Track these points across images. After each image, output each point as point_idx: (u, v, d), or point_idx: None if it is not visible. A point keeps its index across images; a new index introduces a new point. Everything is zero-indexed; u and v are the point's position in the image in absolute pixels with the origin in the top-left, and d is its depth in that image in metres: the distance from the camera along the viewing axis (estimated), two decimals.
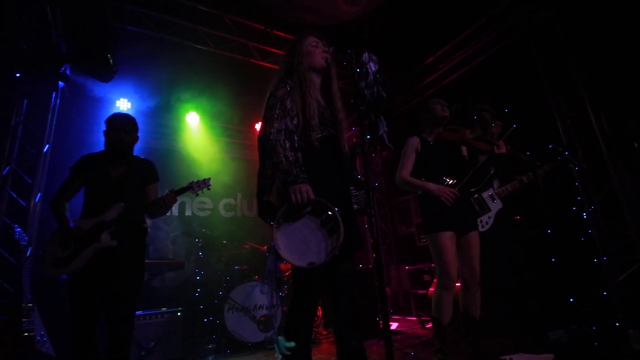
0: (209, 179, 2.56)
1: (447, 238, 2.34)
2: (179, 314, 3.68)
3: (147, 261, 4.55)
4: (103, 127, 2.36)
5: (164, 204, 2.32)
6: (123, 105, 5.29)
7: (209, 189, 2.55)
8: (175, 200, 2.40)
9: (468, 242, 2.41)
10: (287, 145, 1.47)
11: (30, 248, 3.42)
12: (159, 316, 3.54)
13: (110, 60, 1.91)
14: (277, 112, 1.53)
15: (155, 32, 4.14)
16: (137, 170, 2.40)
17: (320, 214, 1.43)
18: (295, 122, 1.55)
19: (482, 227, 2.74)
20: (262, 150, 1.54)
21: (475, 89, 4.52)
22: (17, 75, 3.49)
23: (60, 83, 3.96)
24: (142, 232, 2.39)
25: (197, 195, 2.53)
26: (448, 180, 2.46)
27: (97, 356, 2.16)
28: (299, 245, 1.43)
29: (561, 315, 2.88)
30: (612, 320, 2.94)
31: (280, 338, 1.46)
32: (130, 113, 5.53)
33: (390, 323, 2.71)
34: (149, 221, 2.50)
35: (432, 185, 2.37)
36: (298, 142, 1.53)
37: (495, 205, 2.82)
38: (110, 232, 2.18)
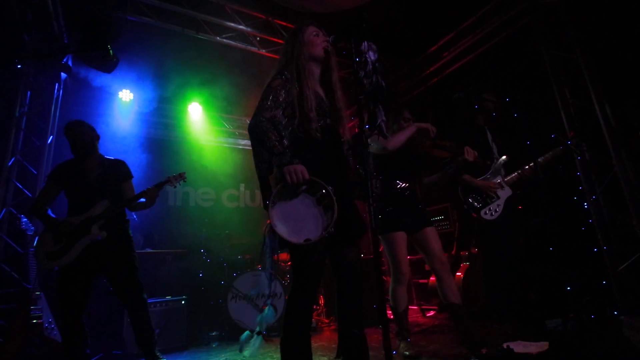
0: (184, 173, 2.90)
1: (398, 237, 2.54)
2: (183, 302, 3.75)
3: (152, 251, 4.67)
4: (106, 118, 2.58)
5: (147, 197, 2.61)
6: (125, 96, 5.30)
7: (184, 182, 2.90)
8: (158, 194, 2.68)
9: (424, 237, 2.56)
10: (276, 133, 1.52)
11: (37, 238, 3.48)
12: (164, 304, 3.61)
13: (111, 51, 1.93)
14: (269, 103, 1.57)
15: (157, 22, 4.12)
16: (111, 171, 2.66)
17: (314, 192, 1.48)
18: (289, 112, 1.58)
19: (492, 215, 2.75)
20: (254, 139, 1.59)
21: (479, 77, 4.48)
22: (19, 66, 3.50)
23: (63, 74, 3.97)
24: (126, 224, 2.69)
25: (175, 187, 2.88)
26: (398, 183, 2.65)
27: (86, 342, 2.43)
28: (295, 223, 1.45)
29: (561, 304, 2.90)
30: (611, 309, 2.96)
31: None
32: (133, 103, 5.57)
33: (390, 312, 2.79)
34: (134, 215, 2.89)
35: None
36: (292, 133, 1.58)
37: (504, 193, 2.82)
38: (99, 225, 2.47)
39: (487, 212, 2.76)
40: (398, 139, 2.53)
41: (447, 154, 2.60)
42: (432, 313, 4.47)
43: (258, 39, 4.66)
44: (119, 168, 2.72)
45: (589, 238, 3.36)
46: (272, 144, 1.48)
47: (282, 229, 1.44)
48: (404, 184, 2.66)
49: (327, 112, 1.68)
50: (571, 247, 3.41)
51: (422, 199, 2.79)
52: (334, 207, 1.43)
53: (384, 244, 2.62)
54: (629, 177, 3.18)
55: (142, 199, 2.65)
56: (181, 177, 2.85)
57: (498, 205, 2.78)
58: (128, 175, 2.73)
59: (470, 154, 2.57)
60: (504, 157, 2.86)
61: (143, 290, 2.61)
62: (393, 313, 2.66)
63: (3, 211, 3.55)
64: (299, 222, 1.46)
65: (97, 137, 2.70)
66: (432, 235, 2.57)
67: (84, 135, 2.59)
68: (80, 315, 2.40)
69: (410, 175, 2.73)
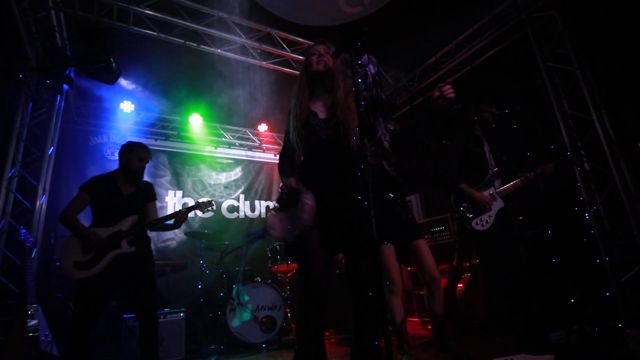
0: (212, 200, 3.17)
1: (388, 250, 2.54)
2: (181, 314, 3.71)
3: None
4: (107, 129, 2.64)
5: (178, 219, 2.78)
6: (127, 107, 5.34)
7: (212, 209, 3.16)
8: (186, 217, 2.85)
9: (416, 250, 2.56)
10: (286, 162, 1.80)
11: (35, 249, 3.46)
12: (162, 317, 3.57)
13: (114, 64, 1.99)
14: (284, 141, 1.87)
15: (159, 34, 4.17)
16: (142, 190, 2.82)
17: (299, 198, 1.60)
18: (294, 131, 1.75)
19: (482, 226, 2.74)
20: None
21: (477, 88, 4.52)
22: (20, 76, 3.54)
23: (65, 86, 4.00)
24: (148, 241, 2.81)
25: (203, 212, 3.19)
26: (385, 196, 2.62)
27: (90, 355, 2.41)
28: (284, 224, 1.65)
29: (563, 315, 2.87)
30: (615, 321, 2.92)
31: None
32: (134, 115, 5.59)
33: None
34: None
35: None
36: (299, 152, 1.76)
37: (496, 205, 2.82)
38: (128, 240, 2.56)
39: (479, 222, 2.76)
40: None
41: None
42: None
43: (259, 51, 4.72)
44: (149, 189, 2.89)
45: (591, 248, 3.35)
46: (281, 169, 1.78)
47: (274, 231, 1.66)
48: (390, 196, 2.65)
49: (321, 126, 1.72)
50: (573, 258, 3.39)
51: (411, 209, 2.79)
52: (300, 209, 1.53)
53: None
54: (629, 187, 3.18)
55: (169, 222, 2.79)
56: (210, 204, 3.09)
57: (489, 216, 2.78)
58: (154, 197, 2.90)
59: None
60: (496, 168, 2.87)
61: (157, 306, 2.68)
62: (391, 325, 2.63)
63: (2, 222, 3.53)
64: (285, 223, 1.63)
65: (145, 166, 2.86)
66: (423, 248, 2.57)
67: (144, 163, 2.77)
68: (92, 327, 2.40)
69: (395, 187, 2.71)
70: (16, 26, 3.55)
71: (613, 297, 3.14)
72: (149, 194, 2.87)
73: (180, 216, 2.78)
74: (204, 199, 3.01)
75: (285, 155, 1.84)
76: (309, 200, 1.52)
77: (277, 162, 1.91)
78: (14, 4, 3.43)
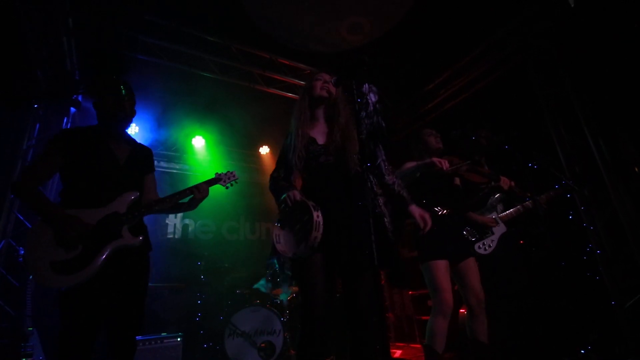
0: (234, 172, 2.26)
1: (442, 266, 2.36)
2: (179, 339, 3.63)
3: (149, 284, 4.56)
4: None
5: (196, 196, 1.97)
6: (131, 129, 5.42)
7: (236, 182, 2.24)
8: (207, 194, 2.04)
9: (467, 268, 2.44)
10: (281, 181, 1.81)
11: (27, 238, 3.42)
12: (159, 341, 3.50)
13: (123, 91, 1.72)
14: (277, 164, 1.89)
15: (165, 61, 4.31)
16: (141, 156, 1.96)
17: (305, 214, 1.60)
18: (292, 156, 1.78)
19: (485, 250, 2.75)
20: (272, 193, 1.87)
21: (475, 115, 4.61)
22: (35, 106, 3.62)
23: (72, 109, 4.09)
24: (146, 231, 1.90)
25: (227, 188, 2.23)
26: (439, 210, 2.51)
27: None
28: (290, 239, 1.66)
29: (568, 341, 2.82)
30: (620, 348, 2.87)
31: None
32: (138, 137, 5.69)
33: (393, 350, 2.67)
34: None
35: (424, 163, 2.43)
36: (299, 172, 1.79)
37: (499, 229, 2.83)
38: (130, 227, 1.74)
39: (481, 246, 2.76)
40: (406, 166, 2.53)
41: (483, 179, 2.60)
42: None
43: (262, 77, 4.85)
44: (148, 155, 2.02)
45: (594, 273, 3.33)
46: (279, 187, 1.76)
47: (280, 246, 1.66)
48: (445, 211, 2.52)
49: (320, 152, 1.77)
50: (576, 282, 3.36)
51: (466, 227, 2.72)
52: (312, 229, 1.53)
53: (424, 273, 2.41)
54: (629, 212, 3.19)
55: (185, 199, 1.97)
56: (233, 176, 2.22)
57: (492, 240, 2.79)
58: (153, 167, 2.04)
59: (505, 183, 2.57)
60: (498, 194, 2.90)
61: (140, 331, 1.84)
62: (428, 354, 2.31)
63: (2, 242, 3.53)
64: (293, 239, 1.64)
65: (134, 113, 1.97)
66: (473, 267, 2.45)
67: (132, 103, 1.91)
68: (92, 347, 1.62)
69: (452, 201, 2.60)
70: (28, 51, 3.67)
71: (618, 323, 3.09)
72: (147, 162, 2.00)
73: (199, 193, 1.98)
74: (224, 172, 2.22)
75: (278, 176, 1.85)
76: (319, 218, 1.54)
77: (270, 179, 1.90)
78: (28, 30, 3.57)
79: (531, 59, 4.08)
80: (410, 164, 2.56)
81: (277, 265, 4.10)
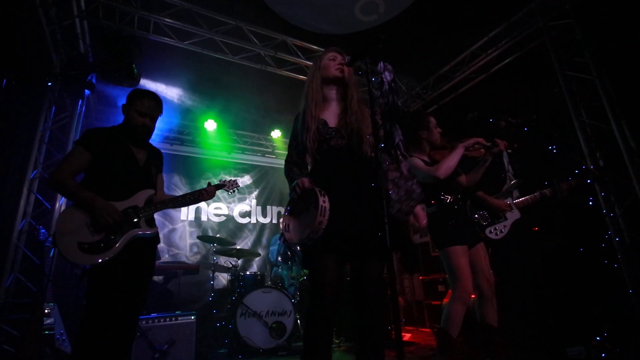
0: (237, 180, 2.72)
1: (462, 251, 2.33)
2: (192, 317, 3.72)
3: (163, 264, 4.67)
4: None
5: (204, 197, 2.33)
6: None
7: (238, 189, 2.69)
8: (214, 195, 2.42)
9: (477, 253, 2.43)
10: (294, 167, 1.80)
11: (53, 249, 3.54)
12: (173, 319, 3.59)
13: (135, 70, 1.87)
14: (290, 145, 1.87)
15: (177, 42, 4.28)
16: (155, 158, 2.27)
17: (313, 200, 1.57)
18: (303, 139, 1.74)
19: (496, 235, 2.71)
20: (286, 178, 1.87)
21: (492, 97, 4.47)
22: (50, 84, 3.65)
23: (86, 91, 4.12)
24: (155, 225, 2.16)
25: (230, 193, 2.67)
26: (445, 197, 2.45)
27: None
28: (298, 226, 1.65)
29: (581, 330, 2.78)
30: (637, 338, 2.82)
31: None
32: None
33: (403, 334, 2.66)
34: None
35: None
36: (310, 155, 1.76)
37: (512, 215, 2.78)
38: (146, 218, 2.01)
39: (493, 231, 2.72)
40: (448, 165, 2.32)
41: (482, 152, 2.54)
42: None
43: (274, 58, 4.78)
44: (160, 157, 2.33)
45: (610, 262, 3.25)
46: (292, 173, 1.77)
47: (289, 233, 1.65)
48: (450, 197, 2.46)
49: (332, 134, 1.73)
50: (591, 271, 3.30)
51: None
52: (317, 213, 1.49)
53: (443, 259, 2.39)
54: None
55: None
56: (235, 184, 2.66)
57: (504, 226, 2.75)
58: (162, 167, 2.36)
59: (501, 144, 2.51)
60: (515, 180, 2.84)
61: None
62: (443, 338, 2.28)
63: (23, 222, 3.64)
64: (300, 226, 1.62)
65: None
66: (483, 252, 2.46)
67: (155, 122, 2.19)
68: (110, 327, 1.83)
69: (454, 187, 2.53)
70: (43, 34, 3.69)
71: (636, 314, 3.03)
72: (160, 164, 2.32)
73: (207, 195, 2.32)
74: (229, 178, 2.66)
75: (292, 160, 1.83)
76: (325, 203, 1.52)
77: (285, 162, 1.89)
78: (42, 13, 3.57)
79: (553, 40, 3.91)
80: (457, 153, 2.38)
81: (284, 248, 4.12)
